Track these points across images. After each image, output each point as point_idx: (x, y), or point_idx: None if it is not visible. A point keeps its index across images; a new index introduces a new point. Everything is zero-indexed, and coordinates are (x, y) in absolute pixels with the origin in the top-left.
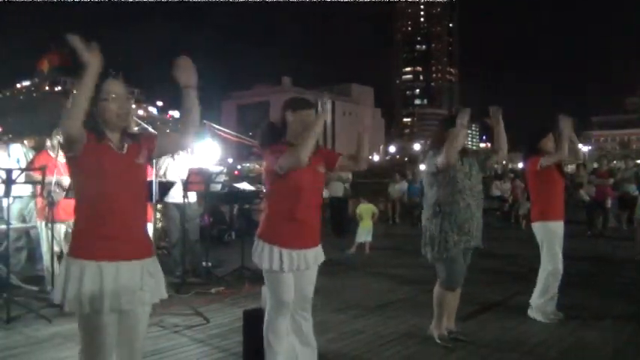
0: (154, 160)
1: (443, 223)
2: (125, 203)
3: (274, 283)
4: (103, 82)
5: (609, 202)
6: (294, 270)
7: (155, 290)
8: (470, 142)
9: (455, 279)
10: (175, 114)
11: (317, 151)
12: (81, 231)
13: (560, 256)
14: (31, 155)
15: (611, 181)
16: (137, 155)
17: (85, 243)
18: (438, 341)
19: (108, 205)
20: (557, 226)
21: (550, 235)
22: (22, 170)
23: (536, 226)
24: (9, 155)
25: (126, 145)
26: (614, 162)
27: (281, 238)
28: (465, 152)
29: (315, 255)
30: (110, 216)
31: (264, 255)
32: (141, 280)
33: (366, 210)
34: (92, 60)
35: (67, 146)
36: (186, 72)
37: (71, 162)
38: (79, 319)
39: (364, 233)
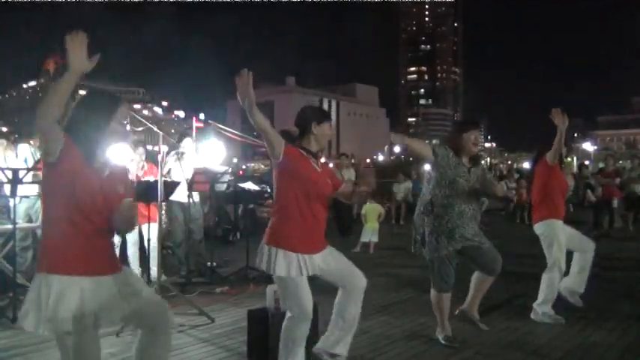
0: (159, 160)
1: (434, 223)
2: (102, 222)
3: (294, 291)
4: (119, 103)
5: (615, 202)
6: (309, 273)
7: (137, 284)
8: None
9: (445, 280)
10: (180, 114)
11: (327, 165)
12: (57, 246)
13: (564, 258)
14: (38, 155)
15: (618, 180)
16: (117, 184)
17: (64, 258)
18: (444, 342)
19: (86, 222)
20: (559, 225)
21: (553, 235)
22: (29, 170)
23: (540, 229)
24: (16, 155)
25: (108, 171)
26: (620, 162)
27: (292, 244)
28: (476, 162)
29: (325, 256)
30: (89, 232)
31: (279, 261)
32: (119, 291)
33: (371, 210)
34: (88, 66)
35: (43, 144)
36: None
37: (48, 170)
38: (62, 339)
39: (369, 233)
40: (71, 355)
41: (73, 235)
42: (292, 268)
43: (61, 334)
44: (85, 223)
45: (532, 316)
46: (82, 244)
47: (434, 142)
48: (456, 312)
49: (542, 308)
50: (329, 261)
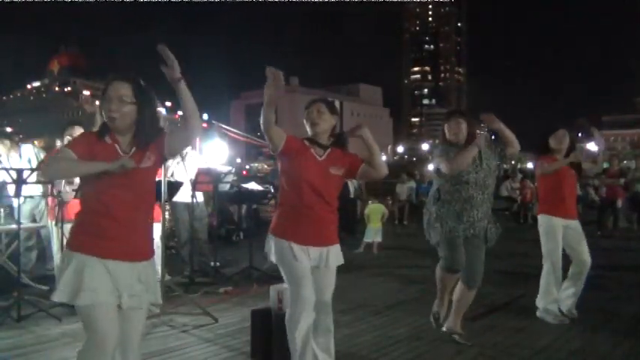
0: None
1: (441, 209)
2: (122, 205)
3: (291, 275)
4: (107, 84)
5: (620, 202)
6: (303, 262)
7: (142, 296)
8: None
9: (453, 261)
10: None
11: (338, 152)
12: (78, 225)
13: (558, 254)
14: (42, 155)
15: (622, 181)
16: (141, 159)
17: (80, 238)
18: (431, 317)
19: (104, 204)
20: (559, 223)
21: (549, 229)
22: (33, 170)
23: (539, 220)
24: (20, 156)
25: (133, 149)
26: (625, 162)
27: (289, 233)
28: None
29: (322, 254)
30: (105, 215)
31: (274, 249)
32: (130, 282)
33: (374, 210)
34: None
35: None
36: (170, 65)
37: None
38: (77, 312)
39: (372, 233)
40: (85, 328)
41: (89, 216)
42: (284, 255)
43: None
44: (101, 202)
45: (537, 313)
46: (96, 225)
47: (437, 141)
48: (443, 328)
49: (540, 303)
50: (326, 272)
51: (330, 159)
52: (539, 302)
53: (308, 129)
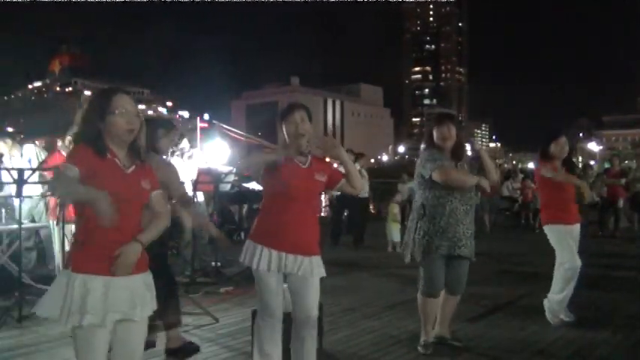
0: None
1: (426, 226)
2: (123, 220)
3: (259, 285)
4: (113, 96)
5: (621, 202)
6: (282, 273)
7: (145, 306)
8: (480, 142)
9: (432, 285)
10: (185, 114)
11: (317, 159)
12: (78, 244)
13: (575, 252)
14: (43, 155)
15: (623, 181)
16: (143, 179)
17: (87, 257)
18: (419, 348)
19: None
20: (567, 230)
21: (560, 237)
22: (34, 170)
23: (547, 229)
24: (21, 155)
25: (133, 166)
26: (626, 162)
27: (266, 238)
28: (460, 157)
29: (304, 264)
30: (105, 232)
31: (249, 253)
32: (132, 296)
33: (391, 209)
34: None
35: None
36: None
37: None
38: (72, 333)
39: (393, 231)
40: (79, 350)
41: (89, 233)
42: (254, 259)
43: (72, 329)
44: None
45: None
46: (97, 242)
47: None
48: (434, 337)
49: (550, 297)
50: (312, 286)
51: (314, 166)
52: (552, 296)
53: (289, 139)
